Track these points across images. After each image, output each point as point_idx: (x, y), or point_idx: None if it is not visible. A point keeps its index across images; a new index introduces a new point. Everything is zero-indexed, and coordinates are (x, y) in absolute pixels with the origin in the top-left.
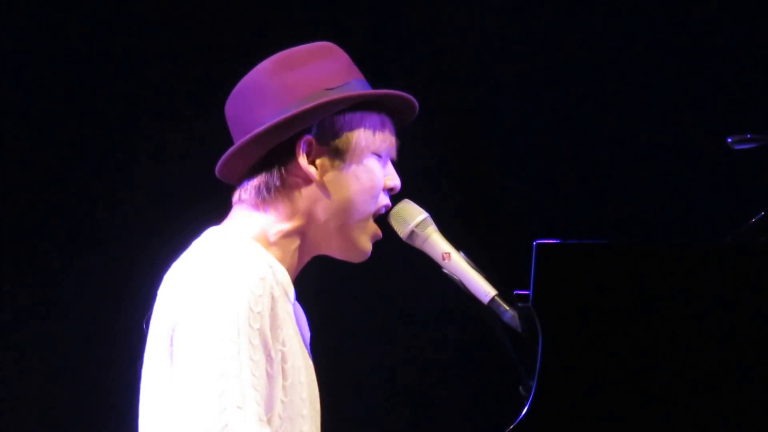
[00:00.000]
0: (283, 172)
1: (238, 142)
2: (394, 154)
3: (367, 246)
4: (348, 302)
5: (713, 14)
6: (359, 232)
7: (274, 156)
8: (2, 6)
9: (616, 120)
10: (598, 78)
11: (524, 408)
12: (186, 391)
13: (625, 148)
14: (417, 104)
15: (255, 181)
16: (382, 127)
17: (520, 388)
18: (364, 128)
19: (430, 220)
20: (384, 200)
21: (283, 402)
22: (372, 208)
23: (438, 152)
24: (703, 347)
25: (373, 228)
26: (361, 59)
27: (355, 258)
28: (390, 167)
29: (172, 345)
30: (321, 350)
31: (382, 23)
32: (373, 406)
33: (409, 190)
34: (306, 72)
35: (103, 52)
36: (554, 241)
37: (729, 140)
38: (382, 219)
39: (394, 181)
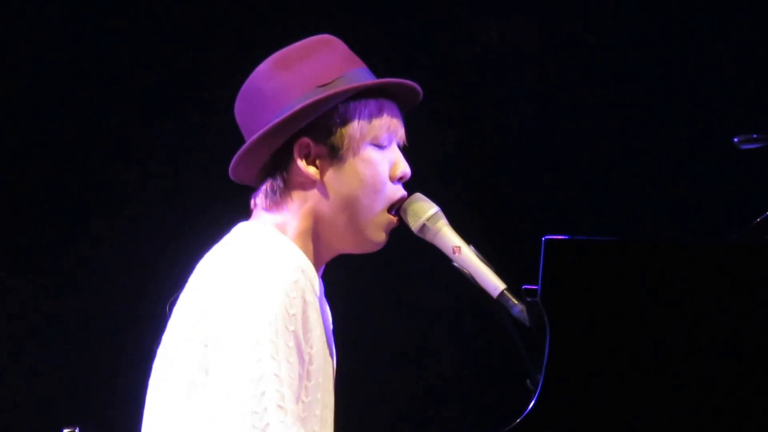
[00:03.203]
0: (286, 174)
1: (241, 148)
2: (400, 138)
3: (379, 237)
4: (358, 296)
5: (720, 13)
6: (369, 226)
7: (277, 159)
8: (4, 6)
9: (625, 118)
10: (608, 76)
11: (531, 401)
12: (226, 392)
13: (633, 147)
14: (416, 86)
15: (265, 185)
16: (380, 114)
17: (528, 381)
18: (359, 120)
19: (441, 214)
20: (396, 192)
21: (303, 402)
22: (380, 203)
23: (449, 147)
24: (709, 344)
25: (386, 219)
26: (375, 55)
27: (368, 249)
28: (396, 155)
29: (206, 341)
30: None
31: (397, 20)
32: (382, 396)
33: (420, 184)
34: (300, 70)
35: (118, 48)
36: (563, 237)
37: (736, 140)
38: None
39: (402, 169)
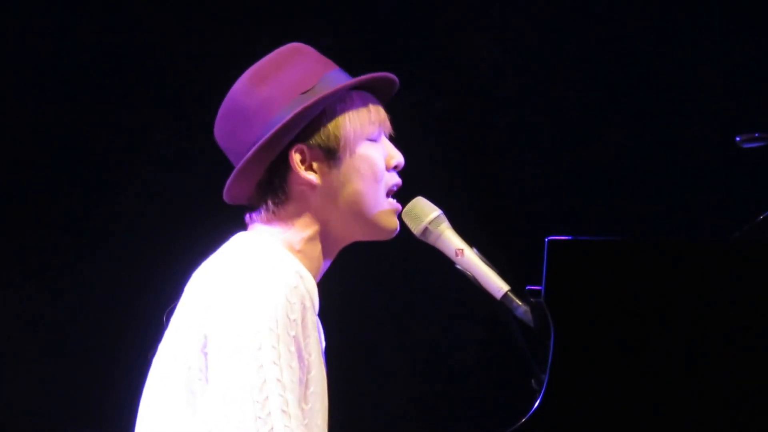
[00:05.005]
0: (286, 185)
1: (234, 170)
2: (388, 129)
3: (392, 223)
4: (360, 300)
5: (721, 12)
6: (378, 214)
7: (273, 172)
8: (7, 5)
9: (627, 118)
10: (610, 76)
11: (536, 401)
12: (228, 399)
13: (636, 146)
14: (394, 77)
15: (263, 200)
16: (367, 109)
17: (533, 381)
18: (349, 118)
19: (443, 217)
20: (392, 179)
21: (304, 410)
22: (381, 192)
23: (450, 149)
24: (712, 343)
25: (390, 203)
26: (374, 56)
27: (385, 236)
28: (388, 145)
29: (205, 348)
30: (336, 350)
31: (398, 21)
32: (383, 397)
33: (422, 187)
34: (279, 81)
35: (121, 52)
36: (566, 237)
37: (738, 139)
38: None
39: (396, 159)
